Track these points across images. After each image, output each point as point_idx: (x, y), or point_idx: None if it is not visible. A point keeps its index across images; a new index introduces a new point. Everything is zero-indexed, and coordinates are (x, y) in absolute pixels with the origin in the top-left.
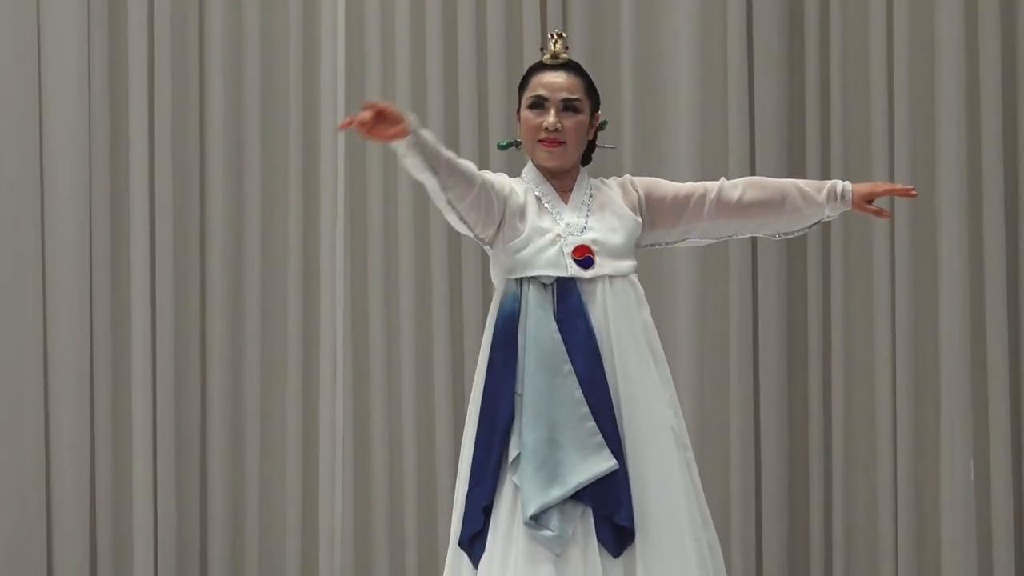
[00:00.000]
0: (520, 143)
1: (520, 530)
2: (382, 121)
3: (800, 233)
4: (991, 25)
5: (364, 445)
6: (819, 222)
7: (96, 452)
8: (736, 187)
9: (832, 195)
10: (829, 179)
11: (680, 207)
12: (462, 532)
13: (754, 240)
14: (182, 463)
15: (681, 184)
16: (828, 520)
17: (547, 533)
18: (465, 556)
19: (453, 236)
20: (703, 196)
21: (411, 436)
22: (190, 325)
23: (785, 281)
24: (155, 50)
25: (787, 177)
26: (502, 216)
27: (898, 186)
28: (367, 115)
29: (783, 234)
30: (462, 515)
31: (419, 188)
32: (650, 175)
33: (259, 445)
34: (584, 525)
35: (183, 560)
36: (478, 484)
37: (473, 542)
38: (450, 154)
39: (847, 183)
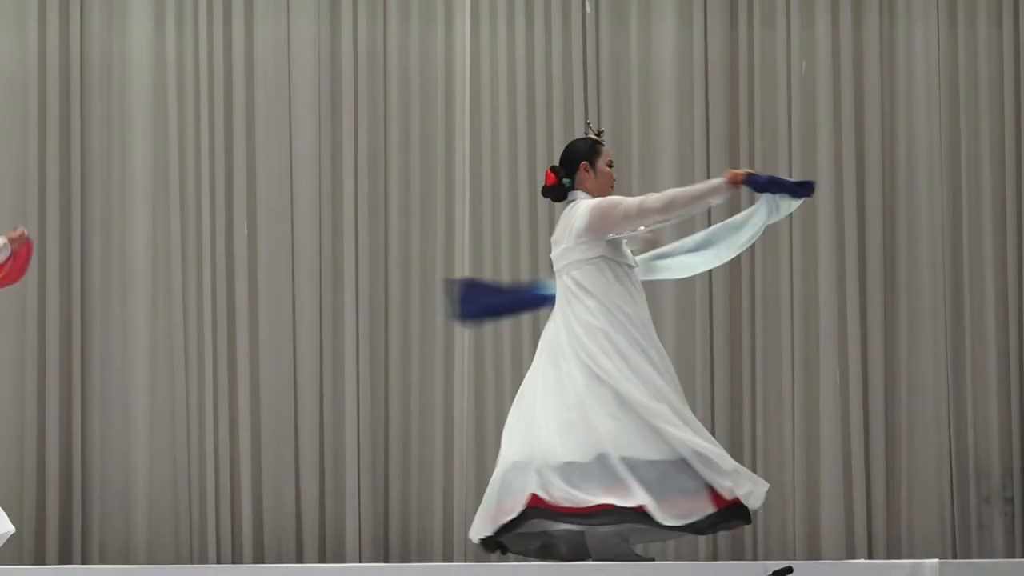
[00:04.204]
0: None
1: None
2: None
3: None
4: (848, 125)
5: (480, 372)
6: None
7: (323, 379)
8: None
9: None
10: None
11: None
12: None
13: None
14: (375, 391)
15: None
16: (753, 405)
17: None
18: None
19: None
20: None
21: (508, 367)
22: (378, 303)
23: (727, 276)
24: (358, 138)
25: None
26: None
27: None
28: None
29: None
30: None
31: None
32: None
33: (419, 374)
34: None
35: (376, 444)
36: None
37: None
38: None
39: None
